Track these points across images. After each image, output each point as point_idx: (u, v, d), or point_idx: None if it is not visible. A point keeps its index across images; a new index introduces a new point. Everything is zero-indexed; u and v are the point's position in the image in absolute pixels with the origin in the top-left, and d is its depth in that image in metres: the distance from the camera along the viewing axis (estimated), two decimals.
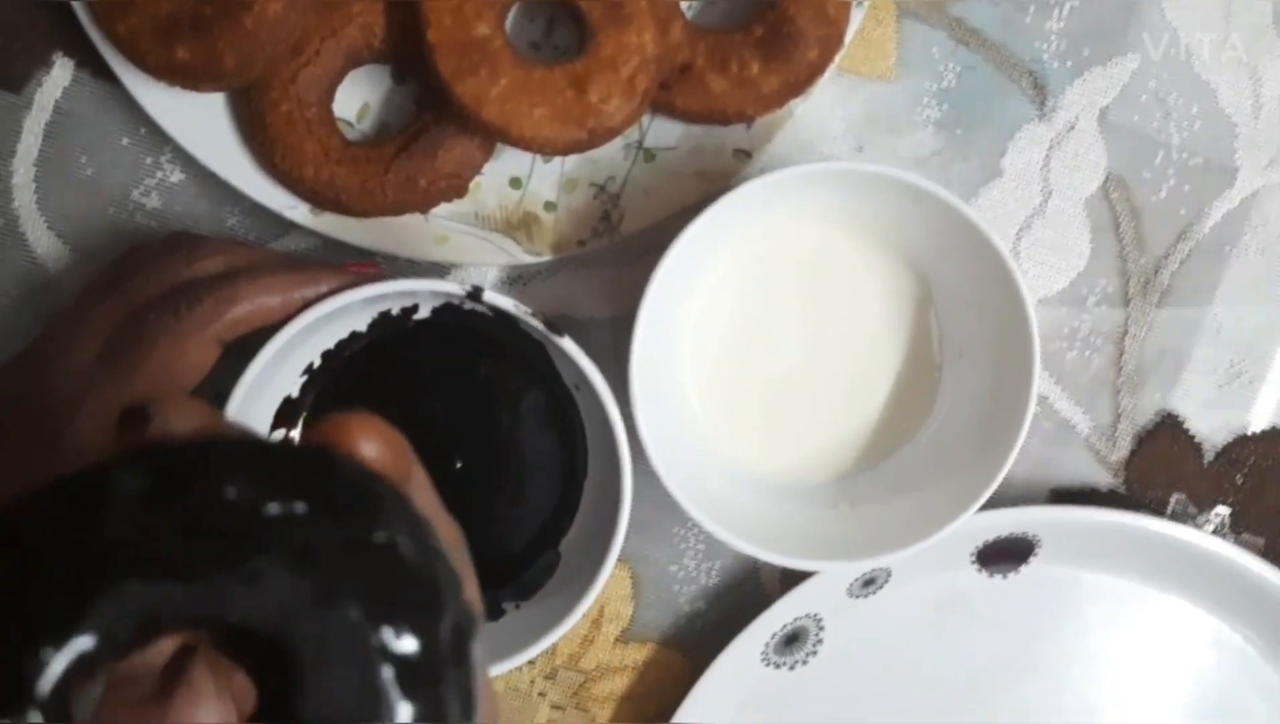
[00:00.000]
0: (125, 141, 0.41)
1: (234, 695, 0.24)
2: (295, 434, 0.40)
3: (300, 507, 0.21)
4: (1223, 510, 0.45)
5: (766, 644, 0.44)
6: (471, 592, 0.23)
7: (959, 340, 0.41)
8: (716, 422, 0.41)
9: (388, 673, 0.20)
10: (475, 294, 0.36)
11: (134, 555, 0.20)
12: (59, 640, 0.20)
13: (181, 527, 0.20)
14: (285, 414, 0.40)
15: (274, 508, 0.21)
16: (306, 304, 0.36)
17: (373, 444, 0.23)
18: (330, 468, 0.22)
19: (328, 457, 0.22)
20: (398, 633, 0.21)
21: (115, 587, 0.20)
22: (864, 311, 0.41)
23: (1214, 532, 0.45)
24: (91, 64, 0.41)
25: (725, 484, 0.41)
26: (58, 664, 0.20)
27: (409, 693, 0.20)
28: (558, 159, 0.40)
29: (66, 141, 0.41)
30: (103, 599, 0.20)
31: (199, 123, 0.39)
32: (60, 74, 0.41)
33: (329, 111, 0.39)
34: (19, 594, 0.20)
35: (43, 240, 0.42)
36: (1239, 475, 0.45)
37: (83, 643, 0.20)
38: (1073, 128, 0.43)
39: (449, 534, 0.23)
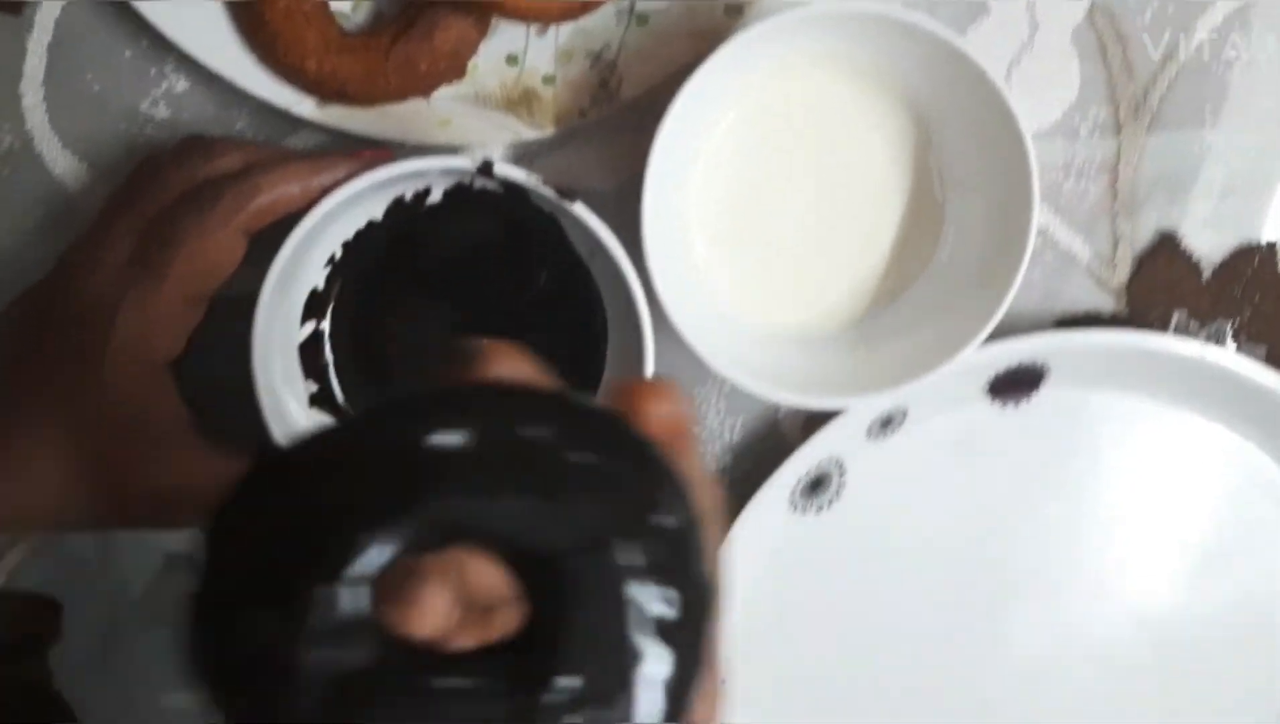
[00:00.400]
0: (128, 54, 0.42)
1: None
2: (325, 325, 0.42)
3: (593, 458, 0.23)
4: (1225, 323, 0.46)
5: (792, 490, 0.45)
6: (714, 560, 0.25)
7: (960, 175, 0.42)
8: (729, 277, 0.43)
9: (649, 624, 0.23)
10: (486, 168, 0.37)
11: (456, 472, 0.22)
12: (381, 534, 0.22)
13: (499, 454, 0.23)
14: (313, 306, 0.41)
15: (574, 456, 0.23)
16: (325, 191, 0.37)
17: (662, 408, 0.25)
18: (623, 430, 0.24)
19: (622, 420, 0.24)
20: (662, 590, 0.23)
21: (438, 495, 0.22)
22: (866, 155, 0.42)
23: (1216, 344, 0.46)
24: None
25: (741, 337, 0.42)
26: (375, 554, 0.22)
27: (666, 643, 0.23)
28: (551, 32, 0.41)
29: (71, 60, 0.42)
30: (425, 504, 0.22)
31: (199, 27, 0.40)
32: None
33: (325, 4, 0.40)
34: (354, 486, 0.22)
35: (59, 160, 0.43)
36: (1237, 288, 0.46)
37: (398, 540, 0.22)
38: None
39: (707, 498, 0.25)
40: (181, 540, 0.46)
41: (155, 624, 0.46)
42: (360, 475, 0.23)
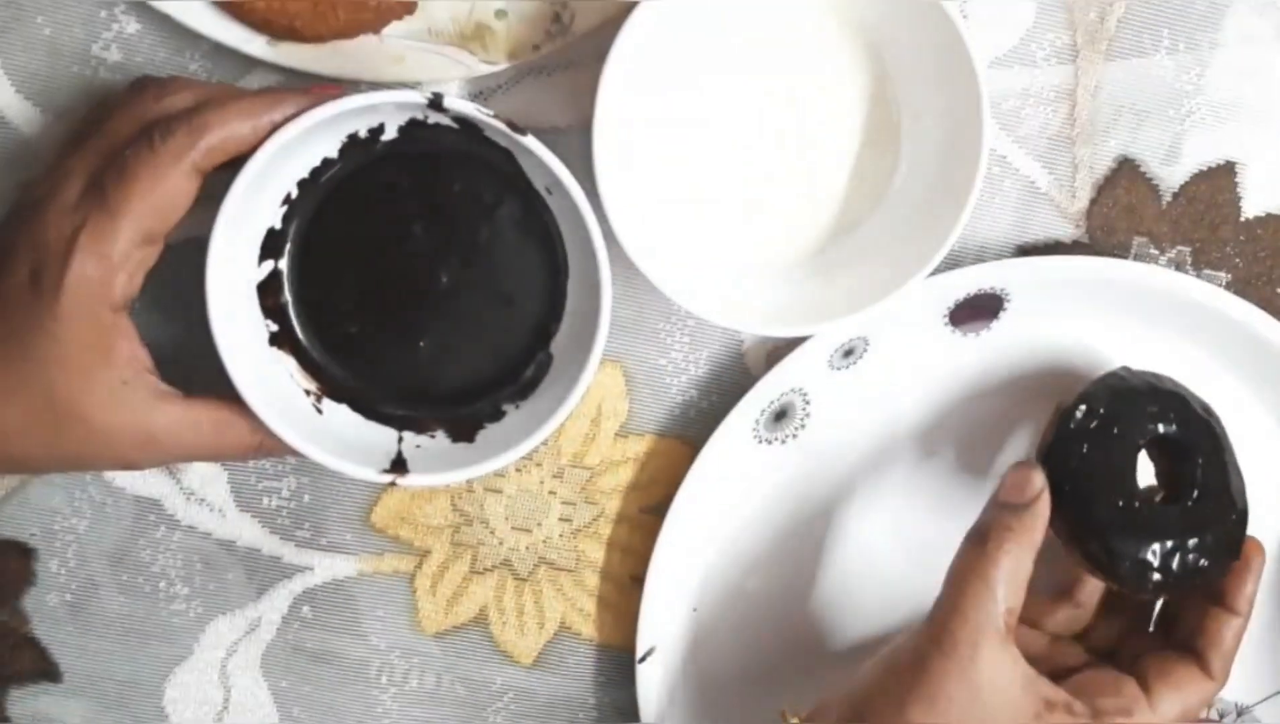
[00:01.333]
0: None
1: None
2: (283, 264, 0.42)
3: None
4: (1184, 249, 0.47)
5: (756, 422, 0.46)
6: None
7: (914, 105, 0.42)
8: (688, 210, 0.43)
9: None
10: (436, 101, 0.37)
11: None
12: None
13: None
14: (270, 246, 0.41)
15: None
16: (275, 127, 0.37)
17: None
18: None
19: None
20: None
21: None
22: (822, 85, 0.42)
23: (1176, 269, 0.46)
24: None
25: (702, 270, 0.43)
26: None
27: None
28: None
29: (21, 4, 0.42)
30: None
31: None
32: None
33: None
34: None
35: (13, 105, 0.43)
36: (1197, 213, 0.46)
37: None
38: None
39: None
40: (151, 487, 0.46)
41: (132, 570, 0.47)
42: None
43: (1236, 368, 0.47)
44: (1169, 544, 0.41)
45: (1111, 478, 0.41)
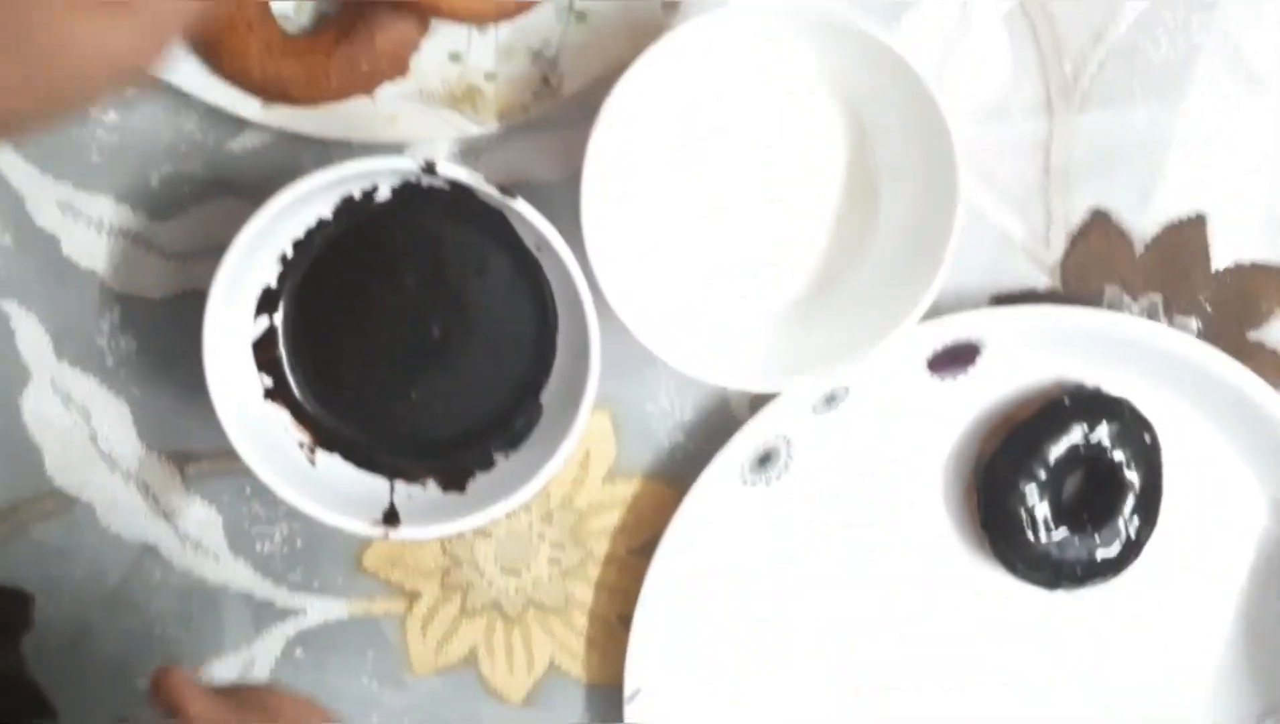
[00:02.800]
0: None
1: None
2: (278, 320, 0.43)
3: None
4: (1155, 297, 0.48)
5: (742, 466, 0.47)
6: None
7: (892, 162, 0.43)
8: (673, 263, 0.44)
9: None
10: (429, 167, 0.38)
11: None
12: None
13: None
14: (265, 302, 0.42)
15: None
16: None
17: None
18: None
19: None
20: None
21: None
22: (802, 144, 0.43)
23: (1149, 318, 0.48)
24: None
25: (686, 322, 0.44)
26: None
27: None
28: (492, 29, 0.42)
29: None
30: None
31: None
32: None
33: (267, 8, 0.40)
34: None
35: (14, 164, 0.44)
36: (1169, 263, 0.48)
37: None
38: None
39: None
40: (148, 532, 0.47)
41: (128, 613, 0.48)
42: None
43: (1207, 412, 0.48)
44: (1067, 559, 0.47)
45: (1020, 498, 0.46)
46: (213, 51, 0.40)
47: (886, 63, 0.40)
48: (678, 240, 0.44)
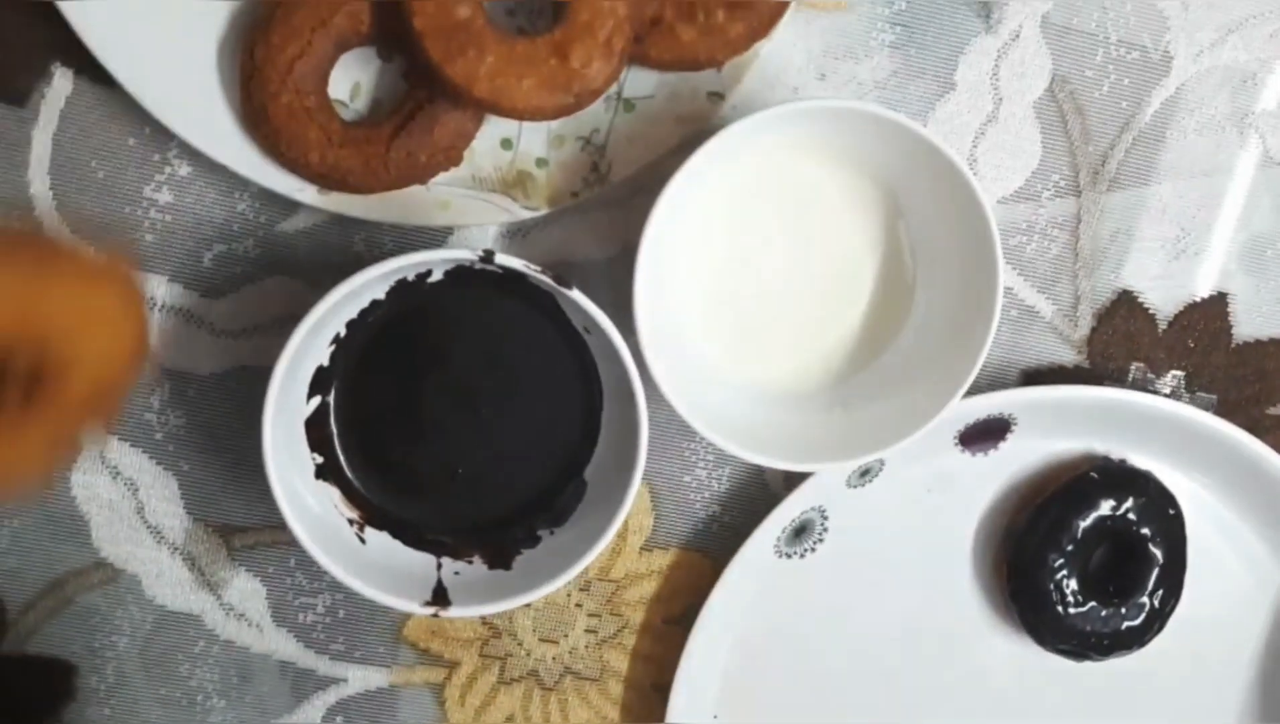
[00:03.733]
0: (132, 142, 0.44)
1: None
2: (330, 399, 0.44)
3: None
4: (1178, 374, 0.49)
5: (778, 538, 0.48)
6: None
7: (929, 247, 0.45)
8: (716, 343, 0.45)
9: None
10: (488, 257, 0.39)
11: None
12: None
13: None
14: (319, 382, 0.43)
15: None
16: None
17: None
18: None
19: None
20: None
21: None
22: (841, 229, 0.45)
23: (1171, 394, 0.49)
24: (90, 71, 0.42)
25: (728, 399, 0.45)
26: None
27: None
28: None
29: (76, 148, 0.43)
30: None
31: (201, 118, 0.42)
32: (61, 84, 0.43)
33: (326, 98, 0.41)
34: None
35: (66, 242, 0.44)
36: (1190, 340, 0.49)
37: None
38: (1017, 36, 0.46)
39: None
40: (191, 603, 0.48)
41: (170, 682, 0.48)
42: None
43: (1225, 486, 0.49)
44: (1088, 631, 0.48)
45: (1050, 570, 0.48)
46: (271, 139, 0.41)
47: (927, 155, 0.41)
48: (720, 318, 0.45)
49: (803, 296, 0.45)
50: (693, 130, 0.43)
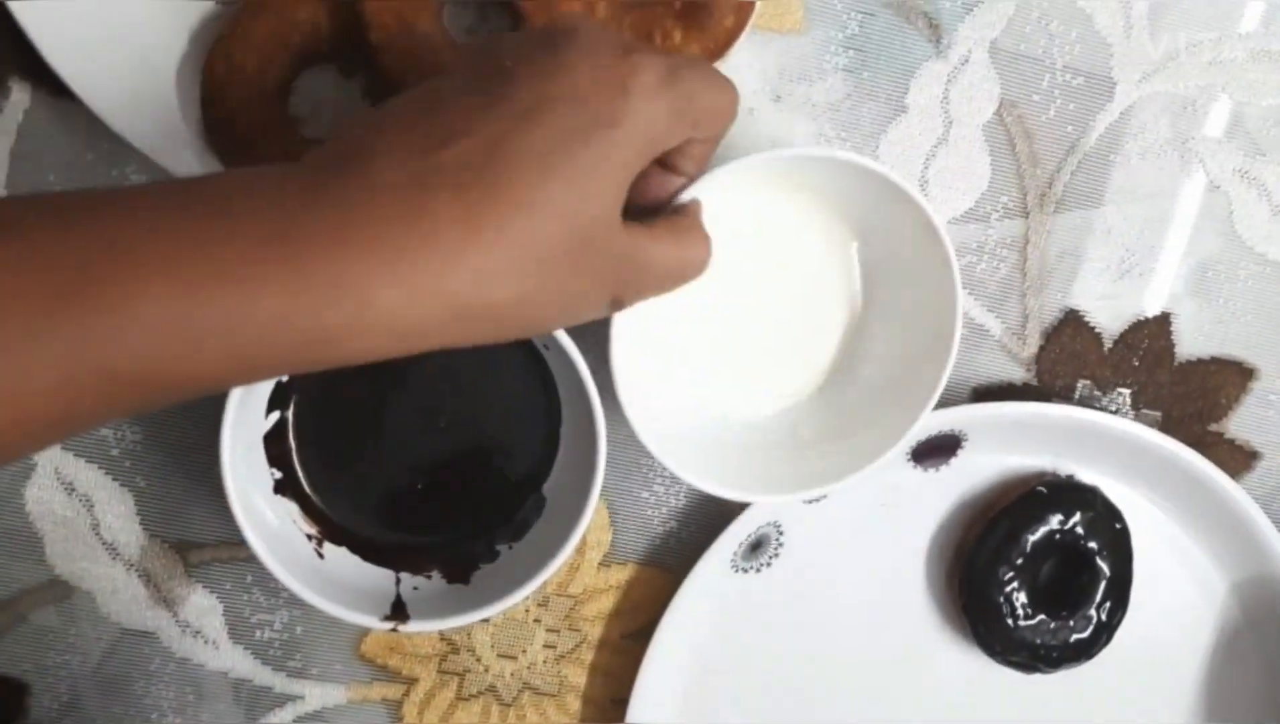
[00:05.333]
0: (90, 156, 0.44)
1: None
2: (289, 414, 0.44)
3: None
4: (1124, 391, 0.51)
5: (734, 553, 0.49)
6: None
7: (890, 279, 0.45)
8: (679, 368, 0.45)
9: None
10: None
11: None
12: None
13: None
14: (278, 396, 0.43)
15: None
16: None
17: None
18: None
19: None
20: None
21: None
22: (804, 261, 0.45)
23: (1117, 411, 0.50)
24: (48, 84, 0.42)
25: (687, 425, 0.45)
26: None
27: None
28: None
29: (34, 162, 0.43)
30: None
31: (161, 132, 0.42)
32: (19, 97, 0.43)
33: (287, 113, 0.41)
34: None
35: None
36: (1135, 358, 0.50)
37: None
38: (967, 61, 0.47)
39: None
40: (147, 621, 0.47)
41: (124, 700, 0.48)
42: None
43: (1171, 500, 0.51)
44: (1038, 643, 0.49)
45: (1001, 583, 0.49)
46: (233, 154, 0.41)
47: (885, 190, 0.41)
48: (688, 348, 0.45)
49: (766, 324, 0.46)
50: None
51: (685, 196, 0.40)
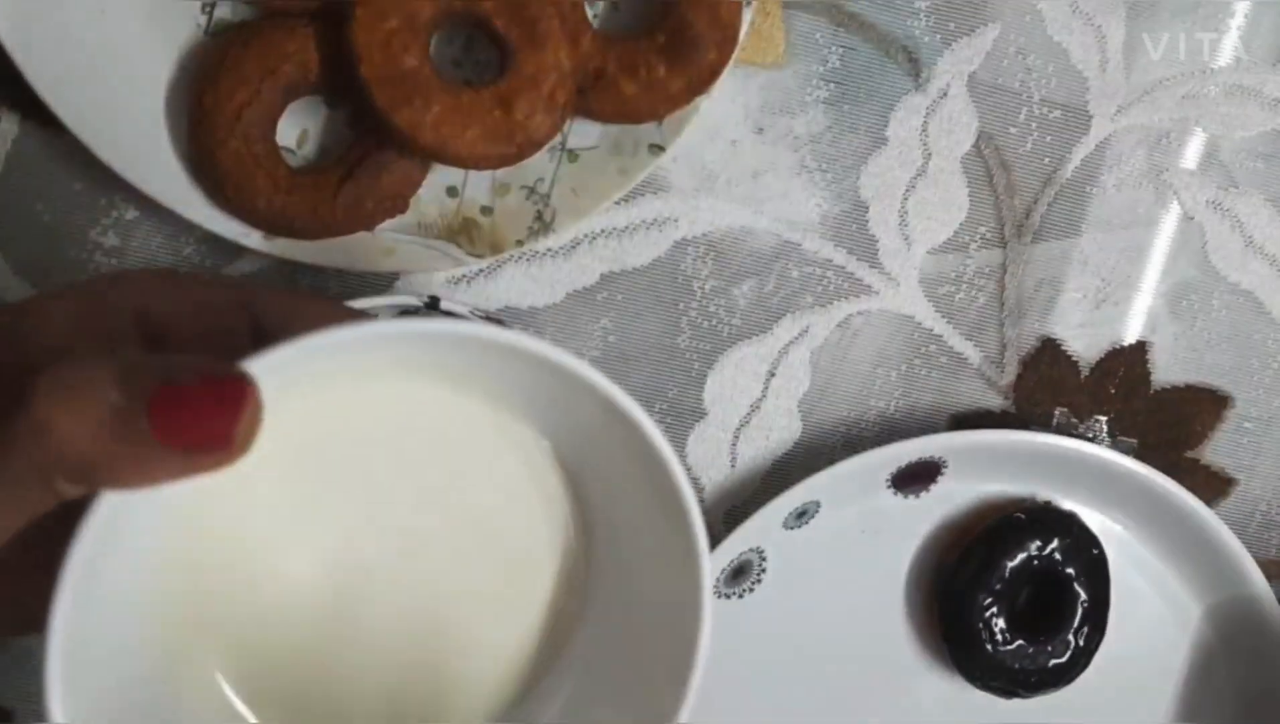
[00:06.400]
0: (78, 186, 0.44)
1: None
2: None
3: None
4: (1100, 418, 0.51)
5: (717, 579, 0.49)
6: None
7: (610, 520, 0.30)
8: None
9: None
10: (433, 303, 0.40)
11: None
12: None
13: None
14: None
15: None
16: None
17: None
18: None
19: None
20: None
21: None
22: (473, 488, 0.29)
23: (1094, 438, 0.51)
24: (37, 114, 0.43)
25: None
26: None
27: None
28: None
29: (21, 191, 0.44)
30: None
31: (149, 162, 0.42)
32: (8, 126, 0.43)
33: (274, 144, 0.42)
34: None
35: (11, 286, 0.44)
36: (1111, 386, 0.51)
37: None
38: (945, 94, 0.48)
39: None
40: None
41: None
42: None
43: (1146, 526, 0.51)
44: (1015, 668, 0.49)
45: (979, 610, 0.49)
46: (218, 184, 0.41)
47: (590, 401, 0.25)
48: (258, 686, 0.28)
49: (414, 596, 0.28)
50: (633, 181, 0.44)
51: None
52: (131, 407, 0.22)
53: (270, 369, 0.23)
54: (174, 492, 0.23)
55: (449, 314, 0.41)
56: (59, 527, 0.23)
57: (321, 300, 0.27)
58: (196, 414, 0.22)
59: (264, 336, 0.26)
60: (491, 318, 0.41)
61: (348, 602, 0.28)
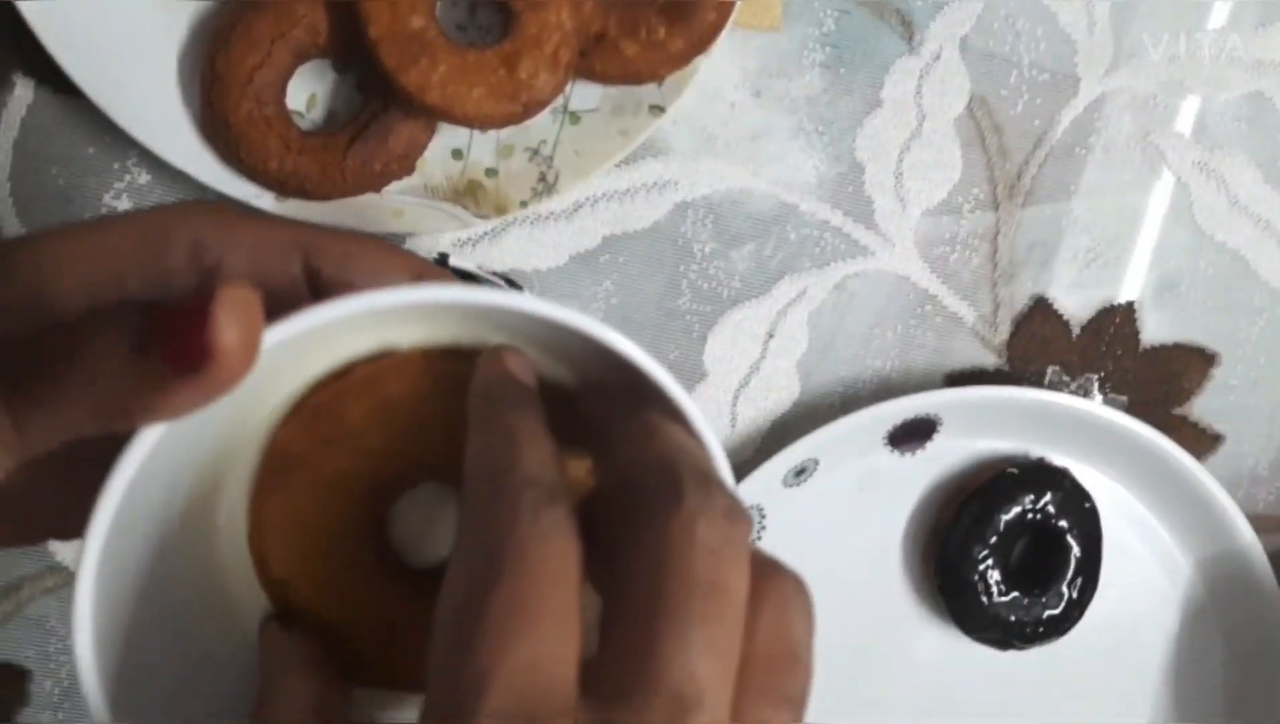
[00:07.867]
0: (91, 150, 0.45)
1: None
2: None
3: None
4: (1092, 376, 0.53)
5: None
6: None
7: None
8: None
9: None
10: (442, 260, 0.41)
11: None
12: None
13: None
14: None
15: None
16: None
17: None
18: None
19: None
20: None
21: None
22: None
23: (1085, 395, 0.52)
24: (52, 80, 0.44)
25: None
26: None
27: None
28: (493, 130, 0.45)
29: (36, 156, 0.45)
30: None
31: (162, 126, 0.43)
32: (23, 92, 0.44)
33: (284, 107, 0.43)
34: None
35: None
36: (1102, 345, 0.52)
37: None
38: (938, 57, 0.49)
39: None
40: None
41: None
42: None
43: (1136, 481, 0.53)
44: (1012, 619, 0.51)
45: (975, 562, 0.50)
46: (230, 146, 0.42)
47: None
48: None
49: None
50: (634, 141, 0.45)
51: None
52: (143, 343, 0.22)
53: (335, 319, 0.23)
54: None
55: (462, 273, 0.42)
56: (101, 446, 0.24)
57: (379, 243, 0.27)
58: (174, 332, 0.22)
59: (318, 278, 0.26)
60: (501, 276, 0.42)
61: None
